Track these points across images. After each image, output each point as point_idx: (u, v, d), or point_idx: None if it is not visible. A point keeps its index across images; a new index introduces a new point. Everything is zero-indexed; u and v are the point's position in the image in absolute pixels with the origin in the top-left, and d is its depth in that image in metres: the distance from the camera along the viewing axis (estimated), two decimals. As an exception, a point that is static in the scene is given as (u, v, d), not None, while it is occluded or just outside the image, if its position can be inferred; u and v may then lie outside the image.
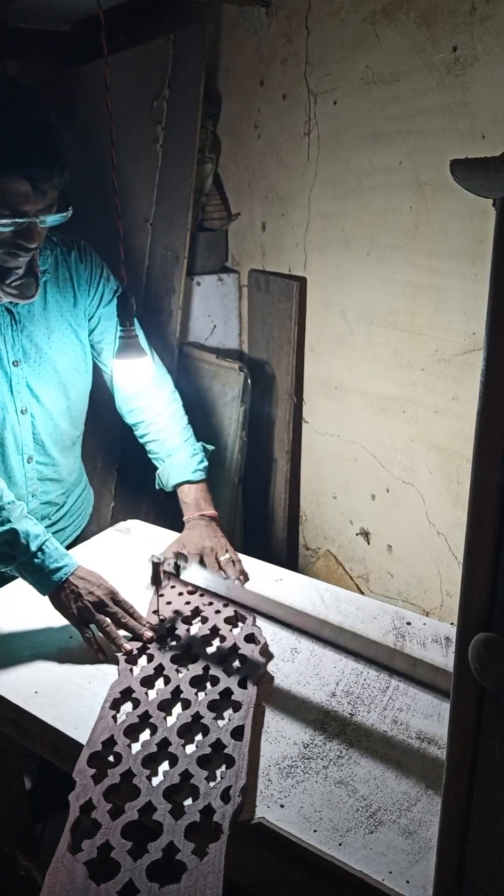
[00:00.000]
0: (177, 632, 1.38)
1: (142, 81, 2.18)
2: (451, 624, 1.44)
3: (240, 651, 1.32)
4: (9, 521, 1.34)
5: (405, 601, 2.00)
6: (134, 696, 1.21)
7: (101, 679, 1.30)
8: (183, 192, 2.07)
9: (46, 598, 1.39)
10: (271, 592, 1.51)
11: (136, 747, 1.10)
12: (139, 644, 1.34)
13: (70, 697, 1.25)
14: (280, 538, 2.25)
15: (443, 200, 1.65)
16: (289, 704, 1.23)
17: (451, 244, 1.66)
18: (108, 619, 1.36)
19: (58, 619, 1.40)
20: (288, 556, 2.29)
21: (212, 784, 1.04)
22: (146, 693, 1.21)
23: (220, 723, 1.14)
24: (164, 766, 1.07)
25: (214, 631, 1.38)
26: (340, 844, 0.97)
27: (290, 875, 0.99)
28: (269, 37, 1.97)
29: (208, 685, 1.24)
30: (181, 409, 1.76)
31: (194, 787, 1.03)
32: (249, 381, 2.09)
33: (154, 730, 1.13)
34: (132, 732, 1.13)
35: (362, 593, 2.09)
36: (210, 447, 1.76)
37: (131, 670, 1.28)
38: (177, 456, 1.70)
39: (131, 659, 1.31)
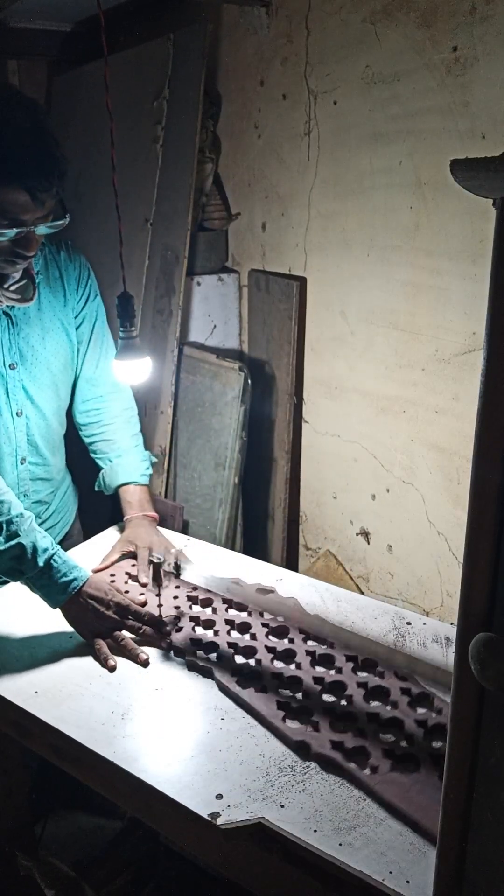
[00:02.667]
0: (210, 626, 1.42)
1: (142, 81, 2.18)
2: (451, 624, 1.44)
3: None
4: (17, 535, 1.33)
5: (405, 601, 2.00)
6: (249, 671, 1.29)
7: (101, 679, 1.30)
8: (183, 192, 2.07)
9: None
10: (272, 597, 1.51)
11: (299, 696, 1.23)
12: (163, 648, 1.37)
13: (70, 697, 1.25)
14: (280, 538, 2.25)
15: (443, 200, 1.65)
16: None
17: (451, 244, 1.66)
18: (123, 634, 1.36)
19: (58, 619, 1.40)
20: (288, 556, 2.29)
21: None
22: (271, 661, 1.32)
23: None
24: (331, 696, 1.23)
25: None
26: (340, 844, 0.97)
27: (290, 875, 0.99)
28: (269, 37, 1.97)
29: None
30: (136, 417, 1.79)
31: (377, 688, 1.23)
32: (249, 381, 2.08)
33: (298, 681, 1.25)
34: (280, 689, 1.25)
35: (362, 593, 2.09)
36: (154, 459, 1.80)
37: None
38: (127, 457, 1.73)
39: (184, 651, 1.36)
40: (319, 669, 1.28)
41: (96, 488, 1.77)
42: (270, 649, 1.33)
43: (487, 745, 0.72)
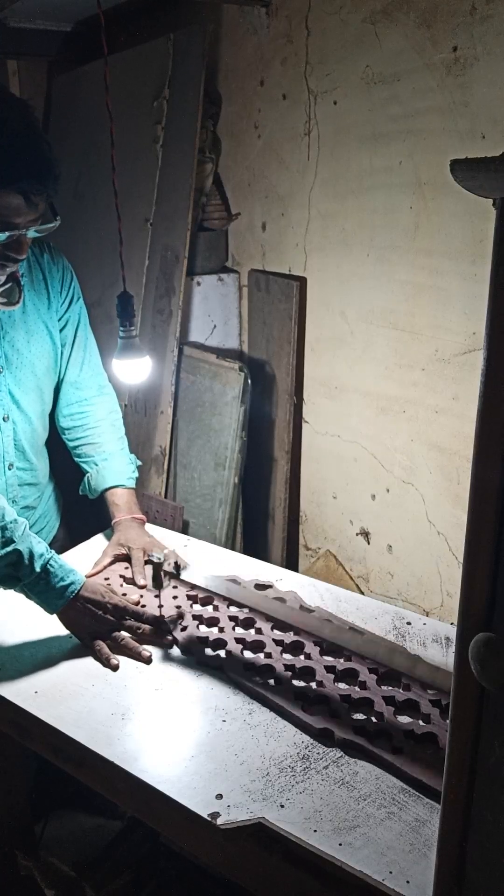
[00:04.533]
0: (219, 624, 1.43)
1: (142, 81, 2.18)
2: (451, 624, 1.45)
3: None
4: (12, 541, 1.33)
5: (405, 601, 2.00)
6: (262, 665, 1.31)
7: (101, 679, 1.30)
8: (183, 192, 2.07)
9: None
10: (271, 592, 1.51)
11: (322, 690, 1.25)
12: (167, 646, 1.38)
13: (70, 697, 1.25)
14: (280, 538, 2.25)
15: (443, 200, 1.65)
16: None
17: (451, 244, 1.66)
18: (123, 635, 1.36)
19: (58, 620, 1.40)
20: (288, 556, 2.29)
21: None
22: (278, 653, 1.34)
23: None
24: (344, 684, 1.27)
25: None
26: (340, 844, 0.97)
27: (290, 875, 0.99)
28: (269, 37, 1.97)
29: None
30: (120, 420, 1.78)
31: (388, 673, 1.27)
32: (249, 381, 2.08)
33: (311, 671, 1.28)
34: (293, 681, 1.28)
35: (362, 593, 2.08)
36: (139, 462, 1.79)
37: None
38: (113, 461, 1.71)
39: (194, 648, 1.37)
40: (329, 659, 1.31)
41: (80, 492, 1.75)
42: (278, 642, 1.35)
43: (487, 745, 0.72)
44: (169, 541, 1.73)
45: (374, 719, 1.18)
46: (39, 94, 2.60)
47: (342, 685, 1.26)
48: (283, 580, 1.58)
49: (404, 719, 1.18)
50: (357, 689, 1.24)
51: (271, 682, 1.27)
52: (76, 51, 2.40)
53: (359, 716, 1.19)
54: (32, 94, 2.62)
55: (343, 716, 1.18)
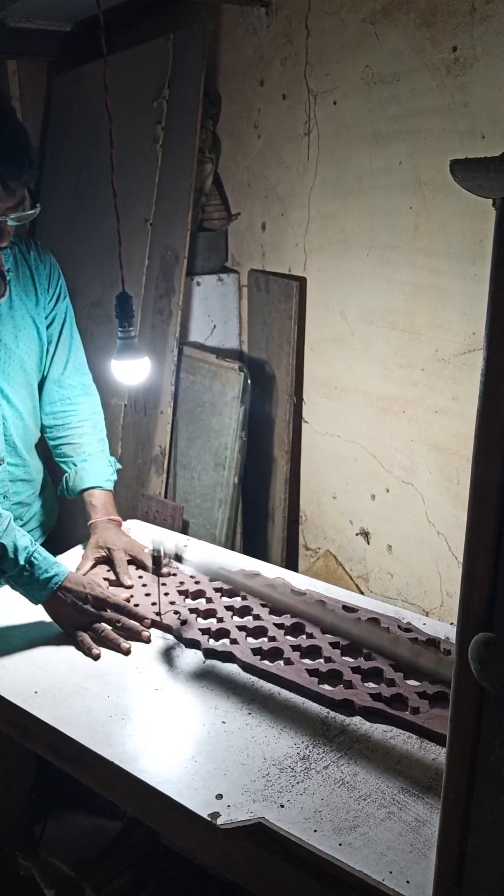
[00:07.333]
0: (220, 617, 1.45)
1: (142, 81, 2.18)
2: (451, 624, 1.45)
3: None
4: None
5: (405, 601, 2.00)
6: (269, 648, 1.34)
7: (101, 679, 1.30)
8: (183, 192, 2.07)
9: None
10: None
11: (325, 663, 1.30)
12: (146, 640, 1.39)
13: (70, 697, 1.25)
14: (280, 538, 2.25)
15: (443, 200, 1.65)
16: (290, 703, 1.23)
17: (451, 244, 1.66)
18: (103, 626, 1.38)
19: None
20: (288, 556, 2.29)
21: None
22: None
23: None
24: (350, 657, 1.32)
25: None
26: (340, 844, 0.97)
27: (290, 875, 0.99)
28: (269, 37, 1.97)
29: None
30: (102, 422, 1.78)
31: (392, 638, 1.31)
32: (249, 381, 2.08)
33: (320, 650, 1.33)
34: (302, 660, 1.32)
35: (362, 593, 2.08)
36: (119, 466, 1.78)
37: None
38: (92, 461, 1.71)
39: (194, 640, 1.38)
40: (331, 636, 1.35)
41: (59, 492, 1.75)
42: (279, 626, 1.38)
43: (487, 745, 0.72)
44: (168, 541, 1.72)
45: (386, 685, 1.23)
46: (39, 94, 2.60)
47: (349, 658, 1.30)
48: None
49: (413, 682, 1.24)
50: (363, 660, 1.29)
51: (281, 664, 1.30)
52: (76, 51, 2.39)
53: (370, 684, 1.25)
54: (32, 94, 2.62)
55: (358, 686, 1.24)
